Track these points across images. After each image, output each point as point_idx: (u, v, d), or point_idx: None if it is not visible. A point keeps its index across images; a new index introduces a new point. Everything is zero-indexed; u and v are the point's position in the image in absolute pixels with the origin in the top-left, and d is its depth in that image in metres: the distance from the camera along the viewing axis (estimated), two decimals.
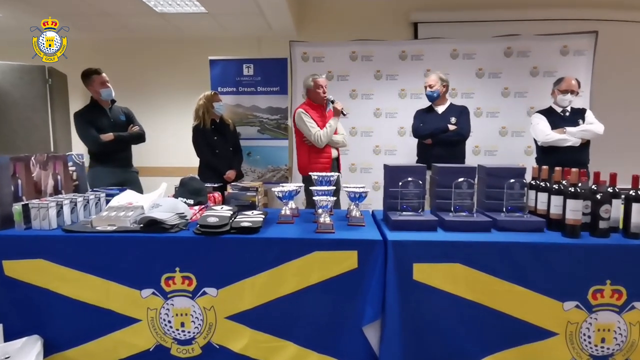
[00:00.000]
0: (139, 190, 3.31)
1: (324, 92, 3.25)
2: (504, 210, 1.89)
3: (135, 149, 3.45)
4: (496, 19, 4.20)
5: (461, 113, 3.35)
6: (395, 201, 1.93)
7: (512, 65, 3.91)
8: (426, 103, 3.46)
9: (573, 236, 1.70)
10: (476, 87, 3.97)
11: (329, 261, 1.67)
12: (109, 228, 1.76)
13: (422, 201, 1.93)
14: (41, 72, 4.28)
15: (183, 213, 1.87)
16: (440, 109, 3.38)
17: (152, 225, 1.74)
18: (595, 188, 1.77)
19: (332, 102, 3.23)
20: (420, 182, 1.91)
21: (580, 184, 1.71)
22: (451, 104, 3.40)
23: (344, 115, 3.23)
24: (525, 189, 1.90)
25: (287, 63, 4.10)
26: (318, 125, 3.20)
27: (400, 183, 1.89)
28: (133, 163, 3.47)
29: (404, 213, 1.89)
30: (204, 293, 1.70)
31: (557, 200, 1.78)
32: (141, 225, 1.75)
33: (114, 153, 3.24)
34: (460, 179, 1.88)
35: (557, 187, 1.80)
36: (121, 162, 3.30)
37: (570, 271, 1.63)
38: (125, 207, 1.88)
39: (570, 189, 1.71)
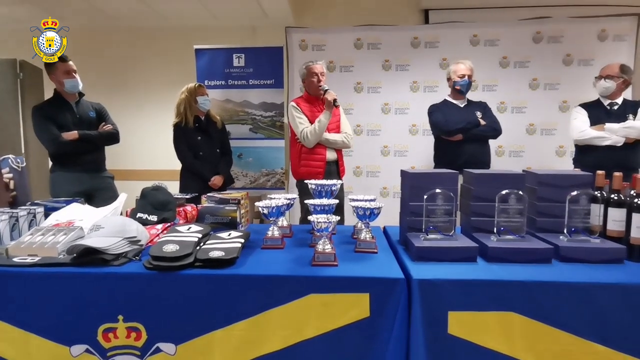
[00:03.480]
0: (112, 198, 2.85)
1: (319, 81, 2.77)
2: (566, 232, 1.41)
3: (110, 149, 2.99)
4: (520, 5, 3.73)
5: (485, 108, 2.96)
6: (418, 219, 1.46)
7: (542, 52, 3.45)
8: (440, 98, 3.01)
9: None
10: (500, 78, 3.52)
11: (330, 307, 1.21)
12: (29, 260, 1.29)
13: (454, 219, 1.46)
14: (11, 65, 3.92)
15: (135, 237, 1.40)
16: (461, 104, 2.94)
17: (88, 255, 1.28)
18: None
19: (325, 92, 2.74)
20: (452, 195, 1.44)
21: None
22: (468, 99, 3.01)
23: (335, 106, 2.73)
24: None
25: (282, 52, 3.64)
26: (310, 121, 2.76)
27: (425, 196, 1.42)
28: (107, 166, 3.01)
29: (430, 236, 1.42)
30: (158, 350, 1.25)
31: None
32: (73, 255, 1.29)
33: (79, 155, 2.75)
34: (506, 191, 1.41)
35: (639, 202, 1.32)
36: (89, 166, 2.81)
37: None
38: (57, 230, 1.41)
39: None
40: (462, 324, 1.18)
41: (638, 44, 3.32)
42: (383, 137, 3.65)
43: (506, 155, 3.50)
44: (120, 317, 1.24)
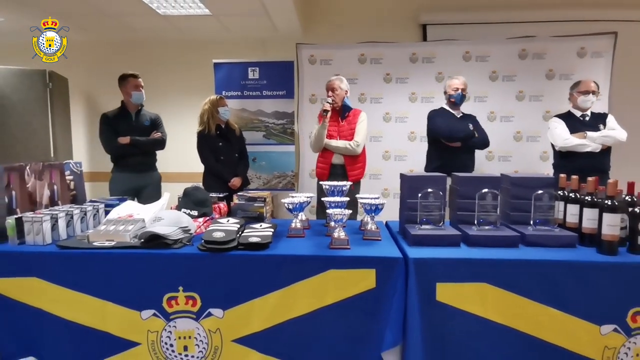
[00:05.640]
0: (158, 194, 3.22)
1: (328, 96, 3.08)
2: (532, 223, 1.75)
3: None
4: (509, 21, 4.06)
5: (475, 122, 3.25)
6: (414, 213, 1.80)
7: (527, 67, 3.76)
8: (436, 107, 3.34)
9: (610, 253, 1.57)
10: (490, 91, 3.83)
11: (344, 280, 1.54)
12: (107, 244, 1.64)
13: (443, 213, 1.80)
14: (41, 75, 4.21)
15: (187, 227, 1.75)
16: (457, 114, 3.25)
17: (153, 240, 1.62)
18: (632, 200, 1.64)
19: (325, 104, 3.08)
20: (441, 193, 1.78)
21: (617, 196, 1.58)
22: (462, 112, 3.29)
23: (323, 114, 3.03)
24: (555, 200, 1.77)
25: (293, 66, 3.98)
26: (329, 131, 3.11)
27: (419, 194, 1.76)
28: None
29: (423, 227, 1.76)
30: (209, 314, 1.58)
31: (590, 213, 1.65)
32: (142, 240, 1.63)
33: (130, 157, 3.21)
34: (484, 190, 1.75)
35: (590, 199, 1.67)
36: (138, 167, 3.26)
37: (607, 291, 1.51)
38: (125, 221, 1.75)
39: (606, 201, 1.57)
40: (447, 293, 1.51)
41: (614, 60, 3.65)
42: (384, 143, 3.94)
43: (495, 160, 3.81)
44: (181, 288, 1.57)
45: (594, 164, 2.96)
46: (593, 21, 3.88)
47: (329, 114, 3.06)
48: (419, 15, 4.28)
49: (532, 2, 4.07)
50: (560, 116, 3.16)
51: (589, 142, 2.97)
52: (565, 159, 3.11)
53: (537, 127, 3.75)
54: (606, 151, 3.04)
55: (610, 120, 3.05)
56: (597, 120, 3.07)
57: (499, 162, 3.81)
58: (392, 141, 3.95)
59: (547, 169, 3.42)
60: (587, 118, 3.09)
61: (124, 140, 3.14)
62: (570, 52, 3.70)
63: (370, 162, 3.91)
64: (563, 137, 3.05)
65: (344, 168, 3.15)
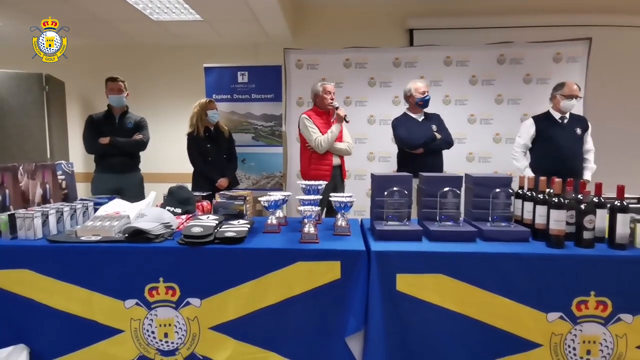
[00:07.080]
0: (139, 195, 3.33)
1: (332, 99, 3.21)
2: (490, 219, 1.88)
3: None
4: (491, 26, 4.21)
5: (439, 121, 3.31)
6: (381, 210, 1.93)
7: (506, 72, 3.90)
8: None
9: (557, 246, 1.69)
10: (470, 94, 3.96)
11: (312, 272, 1.66)
12: (94, 238, 1.76)
13: (408, 210, 1.93)
14: (38, 79, 4.33)
15: (168, 222, 1.88)
16: (419, 117, 3.31)
17: (136, 235, 1.75)
18: (579, 198, 1.76)
19: (337, 108, 3.19)
20: (406, 192, 1.91)
21: (564, 194, 1.71)
22: (425, 112, 3.34)
23: (346, 121, 3.19)
24: (512, 198, 1.90)
25: (281, 70, 4.11)
26: (321, 132, 3.19)
27: (385, 192, 1.89)
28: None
29: (389, 223, 1.89)
30: (188, 303, 1.70)
31: (541, 210, 1.78)
32: (126, 235, 1.76)
33: (111, 158, 3.31)
34: (446, 189, 1.88)
35: (542, 197, 1.80)
36: (118, 168, 3.34)
37: (554, 282, 1.62)
38: (111, 217, 1.88)
39: (553, 199, 1.70)
40: (406, 283, 1.63)
41: (589, 65, 3.78)
42: (369, 144, 4.07)
43: (476, 161, 3.94)
44: (161, 279, 1.69)
45: (569, 166, 3.07)
46: (569, 26, 4.02)
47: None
48: (406, 20, 4.41)
49: (512, 8, 4.20)
50: (537, 117, 3.25)
51: (522, 170, 3.20)
52: (540, 161, 3.23)
53: (516, 129, 3.75)
54: (579, 156, 3.16)
55: (589, 137, 3.16)
56: (575, 124, 3.16)
57: (479, 163, 3.94)
58: (377, 143, 4.07)
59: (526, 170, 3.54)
60: (566, 121, 3.17)
61: (104, 140, 3.24)
62: (546, 57, 3.83)
63: (355, 163, 4.06)
64: (513, 151, 3.33)
65: (341, 169, 3.31)
